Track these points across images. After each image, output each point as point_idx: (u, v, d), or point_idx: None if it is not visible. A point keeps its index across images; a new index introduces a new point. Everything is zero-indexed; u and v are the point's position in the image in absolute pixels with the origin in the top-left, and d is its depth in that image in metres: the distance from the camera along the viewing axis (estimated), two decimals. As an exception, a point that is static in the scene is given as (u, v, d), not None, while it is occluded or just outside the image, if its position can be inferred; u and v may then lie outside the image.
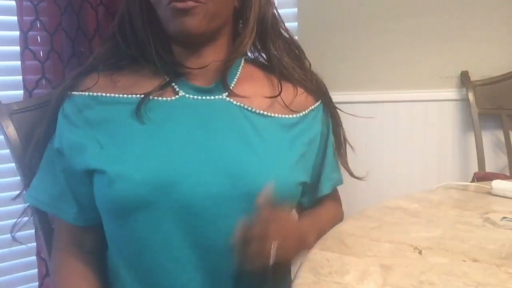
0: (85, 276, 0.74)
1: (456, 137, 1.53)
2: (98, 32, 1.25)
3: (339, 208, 0.89)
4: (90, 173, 0.69)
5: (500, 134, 1.49)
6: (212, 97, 0.73)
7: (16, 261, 1.42)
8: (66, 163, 0.71)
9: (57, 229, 0.79)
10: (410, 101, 1.53)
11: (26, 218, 0.80)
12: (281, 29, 0.79)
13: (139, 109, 0.70)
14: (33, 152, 0.77)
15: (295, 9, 1.55)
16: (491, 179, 0.83)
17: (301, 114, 0.77)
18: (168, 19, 0.68)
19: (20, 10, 1.18)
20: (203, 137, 0.70)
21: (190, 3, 0.66)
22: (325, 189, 0.82)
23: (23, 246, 0.81)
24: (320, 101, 0.81)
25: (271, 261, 0.59)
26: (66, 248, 0.76)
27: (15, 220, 0.79)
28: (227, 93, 0.74)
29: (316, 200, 0.83)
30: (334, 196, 0.88)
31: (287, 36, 0.80)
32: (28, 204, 0.79)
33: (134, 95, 0.72)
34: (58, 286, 0.73)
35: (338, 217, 0.85)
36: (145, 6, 0.72)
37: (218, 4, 0.68)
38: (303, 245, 0.67)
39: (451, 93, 1.52)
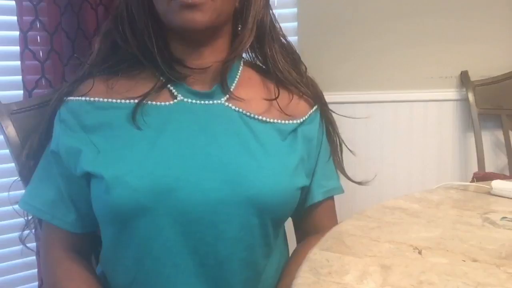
0: (93, 283, 0.72)
1: (456, 137, 1.54)
2: (98, 32, 1.24)
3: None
4: (88, 178, 0.69)
5: (500, 134, 1.49)
6: (211, 102, 0.73)
7: (16, 261, 1.42)
8: (64, 167, 0.71)
9: (48, 235, 0.75)
10: (410, 101, 1.54)
11: (32, 230, 0.80)
12: (278, 34, 0.79)
13: (134, 114, 0.69)
14: (26, 160, 0.77)
15: (295, 9, 1.55)
16: (491, 179, 0.83)
17: (300, 120, 0.77)
18: (173, 14, 0.66)
19: (20, 10, 1.18)
20: (202, 142, 0.69)
21: None
22: (315, 196, 0.79)
23: (23, 246, 0.80)
24: (317, 105, 0.80)
25: None
26: (63, 254, 0.74)
27: (14, 220, 0.79)
28: (225, 98, 0.73)
29: (306, 210, 0.80)
30: (327, 208, 0.82)
31: (284, 41, 0.80)
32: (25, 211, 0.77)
33: (131, 100, 0.71)
34: None
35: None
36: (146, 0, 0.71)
37: (224, 2, 0.68)
38: None
39: (451, 93, 1.52)
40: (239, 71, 0.77)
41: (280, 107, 0.76)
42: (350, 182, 0.85)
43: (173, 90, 0.73)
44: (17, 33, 1.19)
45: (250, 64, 0.81)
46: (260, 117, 0.74)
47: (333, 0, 1.53)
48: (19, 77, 1.21)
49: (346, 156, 0.86)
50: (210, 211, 0.66)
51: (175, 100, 0.72)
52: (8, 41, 1.27)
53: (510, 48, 1.47)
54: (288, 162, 0.73)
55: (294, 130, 0.76)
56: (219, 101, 0.73)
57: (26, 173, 0.78)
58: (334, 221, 0.84)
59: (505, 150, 1.48)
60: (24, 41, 1.19)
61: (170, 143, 0.68)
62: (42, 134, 0.76)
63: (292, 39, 1.52)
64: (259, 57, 0.80)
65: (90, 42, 1.24)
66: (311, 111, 0.79)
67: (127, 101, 0.71)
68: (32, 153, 0.77)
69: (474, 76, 1.48)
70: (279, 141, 0.74)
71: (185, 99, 0.72)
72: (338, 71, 1.54)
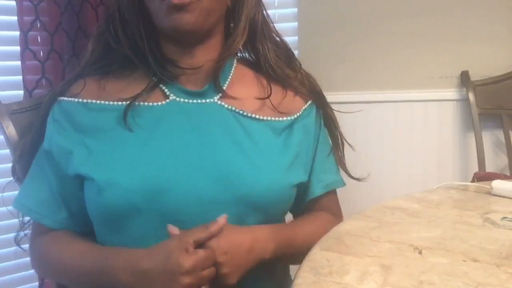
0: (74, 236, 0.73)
1: (456, 137, 1.54)
2: (98, 32, 1.25)
3: (329, 217, 0.81)
4: (81, 179, 0.69)
5: (500, 134, 1.49)
6: (204, 101, 0.73)
7: (16, 261, 1.42)
8: (57, 166, 0.71)
9: (37, 231, 0.76)
10: (410, 101, 1.54)
11: (28, 232, 0.79)
12: (271, 32, 0.78)
13: (125, 116, 0.69)
14: (19, 161, 0.77)
15: (295, 9, 1.55)
16: (491, 179, 0.83)
17: (293, 116, 0.76)
18: (163, 15, 0.67)
19: (20, 10, 1.18)
20: (194, 142, 0.69)
21: None
22: (315, 191, 0.78)
23: (16, 247, 0.80)
24: (311, 100, 0.80)
25: None
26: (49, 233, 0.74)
27: (14, 220, 0.79)
28: (218, 96, 0.73)
29: (307, 204, 0.80)
30: (329, 200, 0.82)
31: (278, 39, 0.79)
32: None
33: (123, 102, 0.70)
34: (53, 260, 0.71)
35: (328, 225, 0.72)
36: (137, 1, 0.71)
37: (212, 1, 0.68)
38: (258, 255, 0.65)
39: (451, 93, 1.52)
40: (232, 69, 0.77)
41: (273, 105, 0.75)
42: (350, 181, 0.85)
43: (166, 90, 0.72)
44: (17, 33, 1.19)
45: (243, 61, 0.80)
46: (253, 115, 0.73)
47: (333, 0, 1.53)
48: (20, 77, 1.21)
49: (346, 156, 0.86)
50: (203, 211, 0.66)
51: (168, 100, 0.72)
52: (8, 41, 1.27)
53: (510, 48, 1.47)
54: (282, 159, 0.72)
55: (289, 126, 0.76)
56: (211, 100, 0.73)
57: (19, 173, 0.78)
58: (338, 213, 0.84)
59: (505, 150, 1.47)
60: (24, 41, 1.19)
61: (162, 143, 0.68)
62: (35, 134, 0.76)
63: (292, 39, 1.53)
64: (252, 55, 0.79)
65: (90, 42, 1.25)
66: (306, 106, 0.79)
67: (119, 102, 0.71)
68: (24, 153, 0.76)
69: (474, 76, 1.48)
70: (272, 138, 0.73)
71: (178, 99, 0.72)
72: (338, 71, 1.54)
